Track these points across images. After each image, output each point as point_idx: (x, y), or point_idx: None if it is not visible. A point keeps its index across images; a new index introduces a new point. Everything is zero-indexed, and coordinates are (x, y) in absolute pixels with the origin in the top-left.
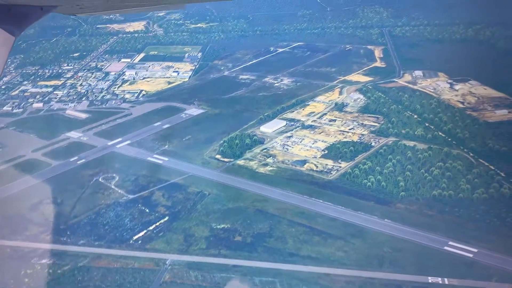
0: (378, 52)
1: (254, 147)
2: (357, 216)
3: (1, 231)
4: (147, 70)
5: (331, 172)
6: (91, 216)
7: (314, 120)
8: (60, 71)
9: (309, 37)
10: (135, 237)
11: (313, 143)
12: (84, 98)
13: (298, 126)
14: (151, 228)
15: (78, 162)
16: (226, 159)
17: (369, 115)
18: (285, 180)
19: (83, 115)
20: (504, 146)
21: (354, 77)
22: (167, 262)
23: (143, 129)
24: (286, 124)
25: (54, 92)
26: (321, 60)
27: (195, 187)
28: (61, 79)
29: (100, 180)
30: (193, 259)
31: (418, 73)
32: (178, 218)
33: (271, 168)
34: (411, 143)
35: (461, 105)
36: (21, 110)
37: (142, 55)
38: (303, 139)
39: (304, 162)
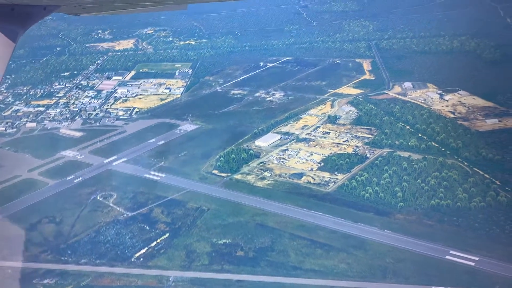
0: (366, 65)
1: (251, 161)
2: (357, 227)
3: (1, 251)
4: (139, 88)
5: (329, 184)
6: (91, 235)
7: (308, 133)
8: (51, 90)
9: (297, 51)
10: (136, 255)
11: (308, 156)
12: (77, 117)
13: (293, 140)
14: (152, 245)
15: (75, 181)
16: (223, 174)
17: (362, 127)
18: (284, 194)
19: (77, 134)
20: (498, 155)
21: (345, 90)
22: (170, 279)
23: (138, 146)
24: (281, 137)
25: (47, 112)
26: (311, 74)
27: (194, 203)
28: (53, 98)
29: (98, 198)
30: (196, 275)
31: (408, 84)
32: (179, 234)
33: (269, 182)
34: (406, 154)
35: (452, 115)
36: (14, 130)
37: (133, 72)
38: (299, 152)
39: (301, 175)
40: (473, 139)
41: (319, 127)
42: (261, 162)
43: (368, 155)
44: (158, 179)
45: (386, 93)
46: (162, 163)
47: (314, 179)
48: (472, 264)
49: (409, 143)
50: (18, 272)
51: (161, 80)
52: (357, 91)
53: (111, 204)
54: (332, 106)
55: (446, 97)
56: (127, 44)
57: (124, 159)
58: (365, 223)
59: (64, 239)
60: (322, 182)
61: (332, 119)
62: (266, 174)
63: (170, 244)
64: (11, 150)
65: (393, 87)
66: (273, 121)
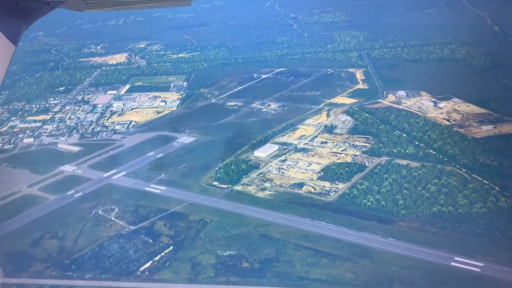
0: (359, 75)
1: (250, 172)
2: (361, 236)
3: (5, 268)
4: (134, 101)
5: (330, 193)
6: (94, 249)
7: (306, 143)
8: (47, 105)
9: (290, 62)
10: (141, 268)
11: (308, 166)
12: (74, 131)
13: (291, 150)
14: (156, 258)
15: (76, 196)
16: (223, 186)
17: (359, 136)
18: (285, 204)
19: (75, 148)
20: (495, 161)
21: (339, 99)
22: None
23: (137, 159)
24: (279, 148)
25: (44, 127)
26: (305, 85)
27: (196, 215)
28: (49, 113)
29: (99, 212)
30: None
31: (401, 93)
32: (183, 247)
33: (270, 192)
34: (404, 162)
35: (447, 123)
36: (11, 146)
37: (127, 86)
38: (298, 162)
39: (301, 185)
40: (469, 145)
41: (316, 136)
42: (261, 173)
43: (367, 164)
44: (159, 192)
45: (381, 102)
46: (162, 176)
47: (315, 189)
48: (478, 270)
49: (407, 151)
50: None
51: (156, 93)
52: (352, 100)
53: (113, 218)
54: (328, 115)
55: (440, 105)
56: (120, 58)
57: (124, 172)
58: (369, 232)
59: (68, 255)
60: (323, 192)
61: (329, 129)
62: (267, 184)
63: (174, 257)
64: (9, 166)
65: (387, 96)
66: (270, 132)
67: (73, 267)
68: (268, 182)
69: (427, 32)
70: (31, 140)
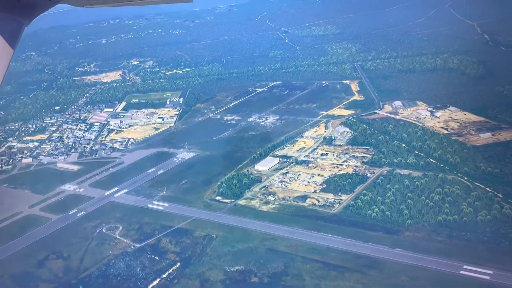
0: (354, 86)
1: (253, 186)
2: (368, 247)
3: None
4: (131, 118)
5: (334, 205)
6: (101, 268)
7: (307, 155)
8: (43, 125)
9: (284, 76)
10: (149, 286)
11: (310, 178)
12: (72, 150)
13: (292, 162)
14: (164, 275)
15: (78, 215)
16: (227, 200)
17: (358, 147)
18: (290, 217)
19: (75, 167)
20: (496, 168)
21: (336, 111)
22: None
23: (138, 176)
24: (280, 161)
25: (42, 146)
26: (301, 97)
27: (201, 231)
28: (46, 133)
29: (103, 231)
30: None
31: (398, 103)
32: (190, 263)
33: (274, 206)
34: (406, 172)
35: (445, 131)
36: (10, 166)
37: (123, 103)
38: (300, 174)
39: (305, 197)
40: (470, 153)
41: (316, 149)
42: (264, 186)
43: (368, 175)
44: (162, 209)
45: (378, 113)
46: (164, 192)
47: (319, 201)
48: (487, 278)
49: (408, 161)
50: None
51: (153, 110)
52: (349, 112)
53: (117, 236)
54: (326, 127)
55: (437, 114)
56: (114, 76)
57: (125, 190)
58: (376, 242)
59: (75, 274)
60: (327, 204)
61: (328, 141)
62: (270, 198)
63: (182, 274)
64: (9, 186)
65: (384, 107)
66: (270, 145)
67: (81, 287)
68: (271, 195)
69: (418, 43)
70: (30, 160)
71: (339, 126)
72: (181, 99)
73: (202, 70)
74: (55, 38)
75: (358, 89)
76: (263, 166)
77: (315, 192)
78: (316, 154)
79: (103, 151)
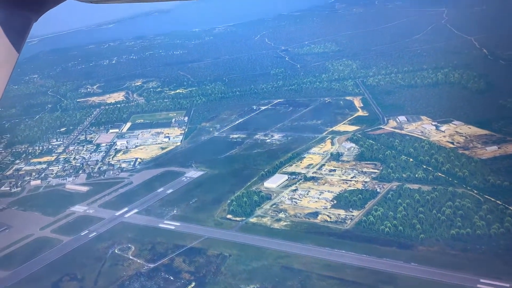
0: (357, 102)
1: (263, 204)
2: (383, 262)
3: None
4: (137, 138)
5: (346, 221)
6: None
7: (315, 172)
8: (50, 147)
9: (287, 93)
10: None
11: (320, 194)
12: (81, 171)
13: (301, 179)
14: None
15: (90, 236)
16: (238, 218)
17: (366, 162)
18: (303, 234)
19: (84, 188)
20: (505, 181)
21: (341, 127)
22: None
23: (147, 196)
24: (288, 178)
25: (49, 168)
26: (305, 114)
27: (214, 250)
28: (53, 154)
29: (116, 251)
30: None
31: (402, 118)
32: (205, 283)
33: (286, 223)
34: (415, 186)
35: (451, 145)
36: (19, 189)
37: (129, 124)
38: (309, 191)
39: (316, 214)
40: (477, 167)
41: (324, 165)
42: (274, 204)
43: (378, 190)
44: (174, 228)
45: (383, 128)
46: (175, 211)
47: (331, 217)
48: None
49: (416, 175)
50: None
51: (159, 130)
52: (354, 127)
53: (130, 257)
54: (332, 143)
55: (442, 128)
56: (117, 96)
57: (136, 210)
58: (390, 258)
59: None
60: (339, 220)
61: (335, 157)
62: (281, 215)
63: None
64: (19, 209)
65: (388, 122)
66: (277, 162)
67: None
68: (282, 212)
69: (418, 58)
70: (38, 182)
71: (345, 142)
72: (186, 118)
73: (205, 89)
74: (56, 61)
75: (362, 105)
76: (272, 183)
77: (326, 208)
78: (325, 170)
79: (111, 172)
